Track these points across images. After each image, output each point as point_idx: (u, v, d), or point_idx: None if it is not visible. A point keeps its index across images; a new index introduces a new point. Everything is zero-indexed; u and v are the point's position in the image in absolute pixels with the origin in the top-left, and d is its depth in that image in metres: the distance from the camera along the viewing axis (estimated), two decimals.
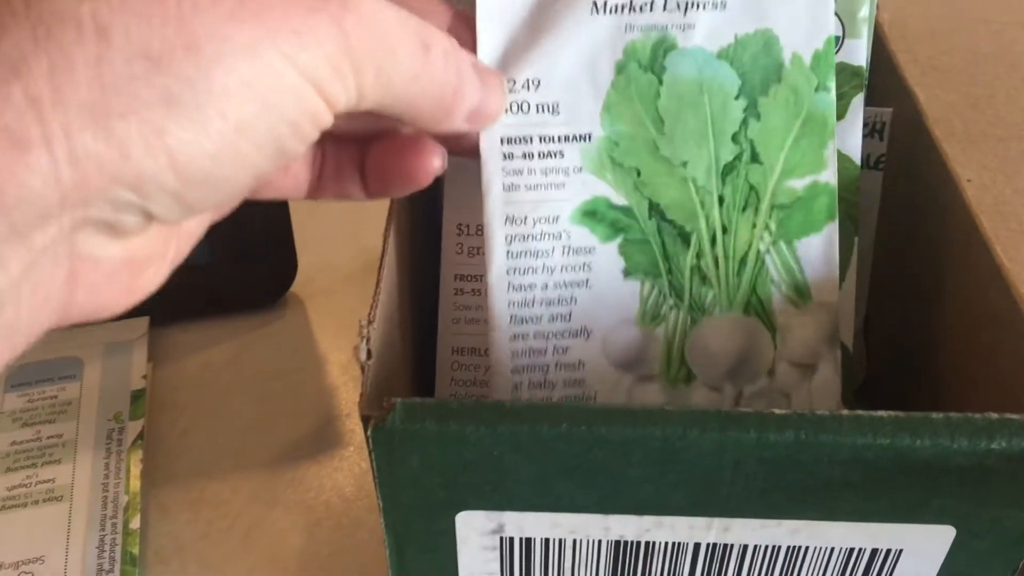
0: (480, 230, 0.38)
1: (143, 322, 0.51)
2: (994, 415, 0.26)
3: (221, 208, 0.29)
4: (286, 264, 0.54)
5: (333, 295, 0.55)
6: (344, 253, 0.57)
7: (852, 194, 0.36)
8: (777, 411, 0.26)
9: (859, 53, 0.36)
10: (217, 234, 0.50)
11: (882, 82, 0.40)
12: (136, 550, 0.41)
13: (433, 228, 0.39)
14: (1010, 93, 0.39)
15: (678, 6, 0.33)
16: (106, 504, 0.43)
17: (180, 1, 0.21)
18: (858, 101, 0.36)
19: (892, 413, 0.26)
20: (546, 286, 0.34)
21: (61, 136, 0.20)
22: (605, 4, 0.32)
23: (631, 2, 0.32)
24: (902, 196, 0.39)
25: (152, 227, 0.23)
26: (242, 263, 0.52)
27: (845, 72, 0.35)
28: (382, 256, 0.32)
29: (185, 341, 0.52)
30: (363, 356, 0.28)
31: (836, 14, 0.35)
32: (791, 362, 0.35)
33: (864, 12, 0.36)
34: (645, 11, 0.33)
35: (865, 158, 0.38)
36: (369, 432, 0.26)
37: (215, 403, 0.49)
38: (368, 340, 0.28)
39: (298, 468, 0.46)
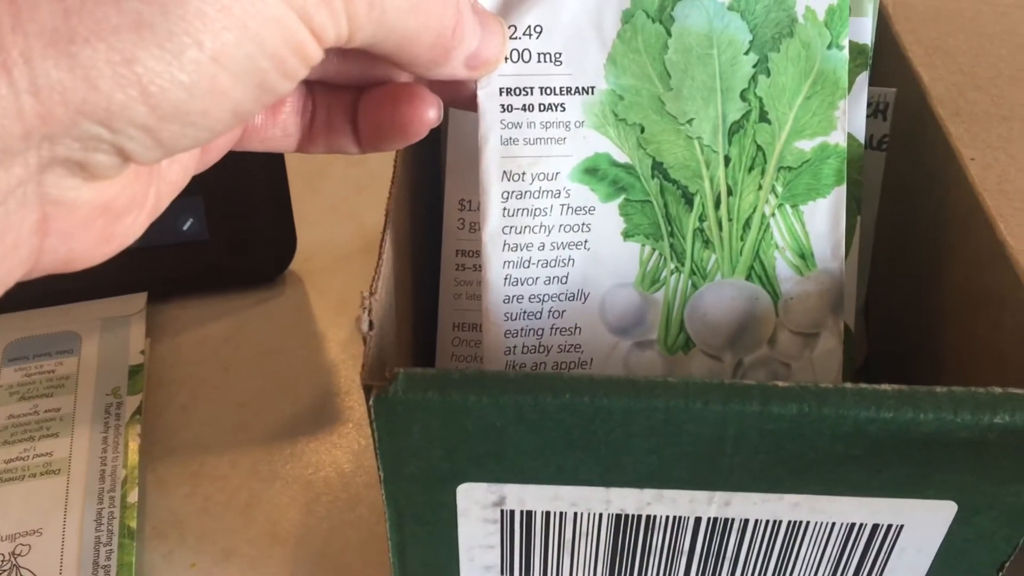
0: None
1: (141, 297, 0.51)
2: (997, 389, 0.26)
3: (206, 153, 0.27)
4: (285, 241, 0.54)
5: (332, 273, 0.55)
6: (344, 231, 0.57)
7: (856, 173, 0.36)
8: (780, 384, 0.26)
9: (864, 31, 0.36)
10: (216, 211, 0.51)
11: (886, 63, 0.40)
12: (134, 523, 0.41)
13: (435, 203, 0.39)
14: (1014, 74, 0.39)
15: None
16: (104, 478, 0.43)
17: None
18: (862, 79, 0.35)
19: (896, 387, 0.26)
20: (543, 246, 0.33)
21: (21, 63, 0.19)
22: None
23: None
24: (905, 176, 0.39)
25: (128, 170, 0.22)
26: (241, 240, 0.52)
27: (850, 50, 0.35)
28: (384, 229, 0.32)
29: (183, 317, 0.52)
30: (365, 327, 0.28)
31: None
32: (793, 331, 0.34)
33: None
34: None
35: (868, 138, 0.38)
36: (371, 402, 0.26)
37: (213, 379, 0.49)
38: (370, 311, 0.28)
39: (297, 444, 0.46)
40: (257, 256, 0.53)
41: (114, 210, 0.23)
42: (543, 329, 0.33)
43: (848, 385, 0.26)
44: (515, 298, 0.33)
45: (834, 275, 0.34)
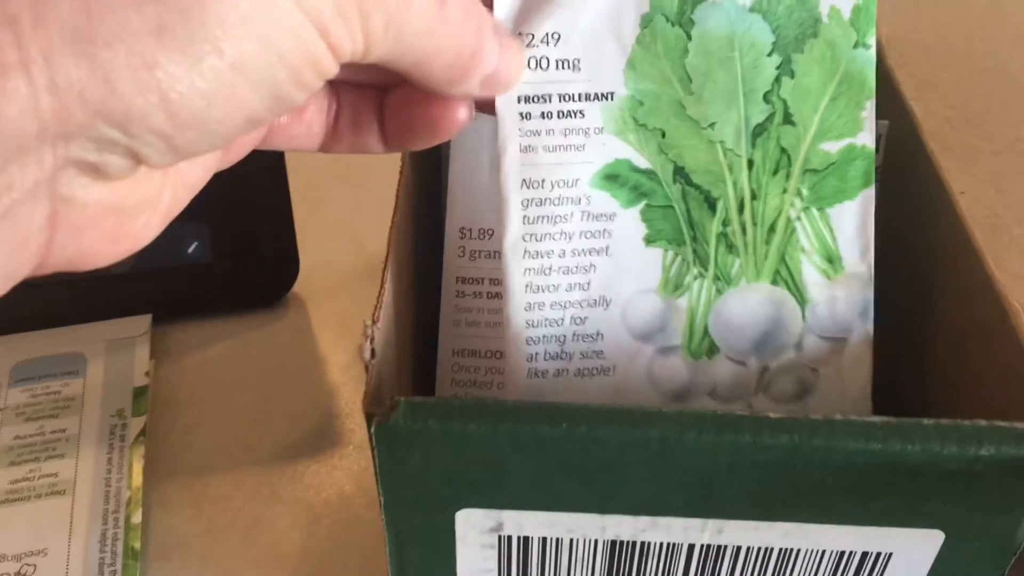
0: (482, 234, 0.39)
1: (146, 320, 0.52)
2: (983, 422, 0.26)
3: (228, 152, 0.27)
4: (288, 265, 0.54)
5: (334, 296, 0.56)
6: (346, 255, 0.58)
7: None
8: (771, 415, 0.27)
9: None
10: (220, 234, 0.51)
11: (879, 96, 0.41)
12: (138, 544, 0.42)
13: (436, 231, 0.40)
14: (1005, 109, 0.40)
15: None
16: (108, 499, 0.43)
17: None
18: None
19: (884, 419, 0.27)
20: (563, 253, 0.32)
21: (41, 62, 0.18)
22: None
23: None
24: (897, 208, 0.39)
25: (140, 171, 0.22)
26: (244, 263, 0.53)
27: None
28: (386, 257, 0.32)
29: (187, 339, 0.53)
30: (367, 355, 0.28)
31: None
32: (820, 335, 0.34)
33: None
34: None
35: None
36: (372, 429, 0.27)
37: (217, 401, 0.50)
38: (372, 340, 0.29)
39: (298, 466, 0.46)
40: (260, 279, 0.54)
41: (125, 210, 0.23)
42: (565, 336, 0.33)
43: (838, 417, 0.27)
44: (536, 305, 0.33)
45: (862, 279, 0.34)
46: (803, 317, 0.33)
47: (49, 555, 0.41)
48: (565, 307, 0.33)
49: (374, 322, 0.29)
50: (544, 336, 0.33)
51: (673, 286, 0.33)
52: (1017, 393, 0.30)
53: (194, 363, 0.52)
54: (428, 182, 0.41)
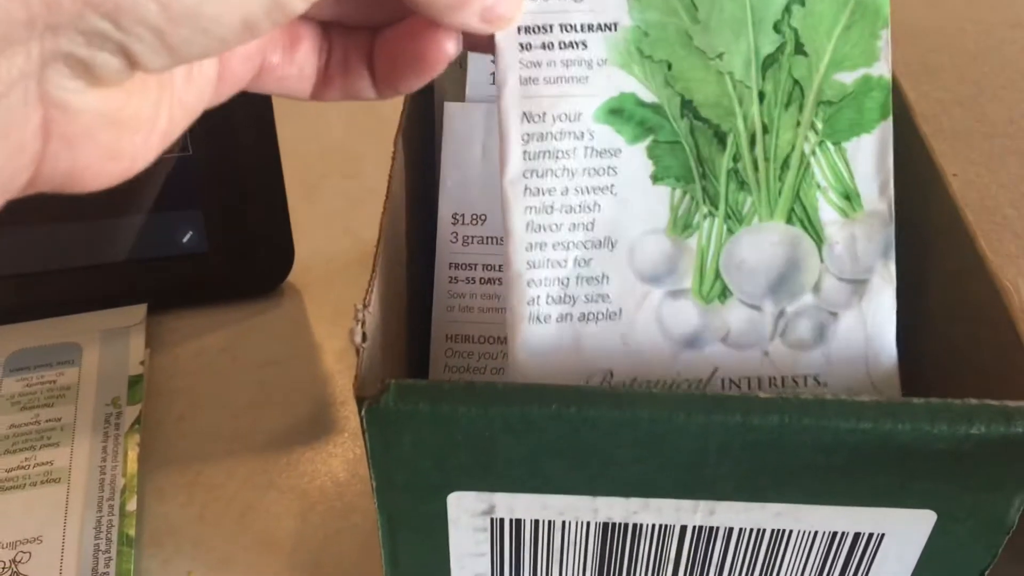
0: (475, 219, 0.39)
1: (141, 309, 0.52)
2: (973, 400, 0.26)
3: (222, 83, 0.26)
4: (283, 254, 0.54)
5: (329, 285, 0.56)
6: (340, 244, 0.58)
7: None
8: (761, 395, 0.27)
9: None
10: (215, 224, 0.51)
11: None
12: (132, 531, 0.42)
13: (429, 217, 0.40)
14: (997, 91, 0.39)
15: None
16: (103, 486, 0.43)
17: None
18: None
19: (874, 398, 0.27)
20: (566, 191, 0.31)
21: None
22: None
23: None
24: None
25: (136, 79, 0.22)
26: (239, 252, 0.53)
27: None
28: (378, 243, 0.32)
29: (182, 328, 0.53)
30: (358, 339, 0.28)
31: None
32: (840, 277, 0.33)
33: None
34: None
35: None
36: (363, 413, 0.27)
37: (211, 389, 0.50)
38: (363, 323, 0.29)
39: (292, 453, 0.46)
40: (255, 268, 0.54)
41: (122, 123, 0.23)
42: (568, 279, 0.32)
43: (828, 396, 0.27)
44: (538, 245, 0.31)
45: (883, 216, 0.32)
46: (820, 258, 0.32)
47: (44, 542, 0.41)
48: (568, 248, 0.31)
49: (365, 306, 0.29)
50: (546, 278, 0.32)
51: (682, 226, 0.32)
52: (1008, 372, 0.30)
53: (189, 352, 0.52)
54: (421, 168, 0.41)
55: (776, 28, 0.31)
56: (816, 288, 0.32)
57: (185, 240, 0.52)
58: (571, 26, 0.30)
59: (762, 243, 0.32)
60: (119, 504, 0.43)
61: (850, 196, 0.32)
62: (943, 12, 0.45)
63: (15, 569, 0.40)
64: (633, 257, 0.32)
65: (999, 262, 0.31)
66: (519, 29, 0.30)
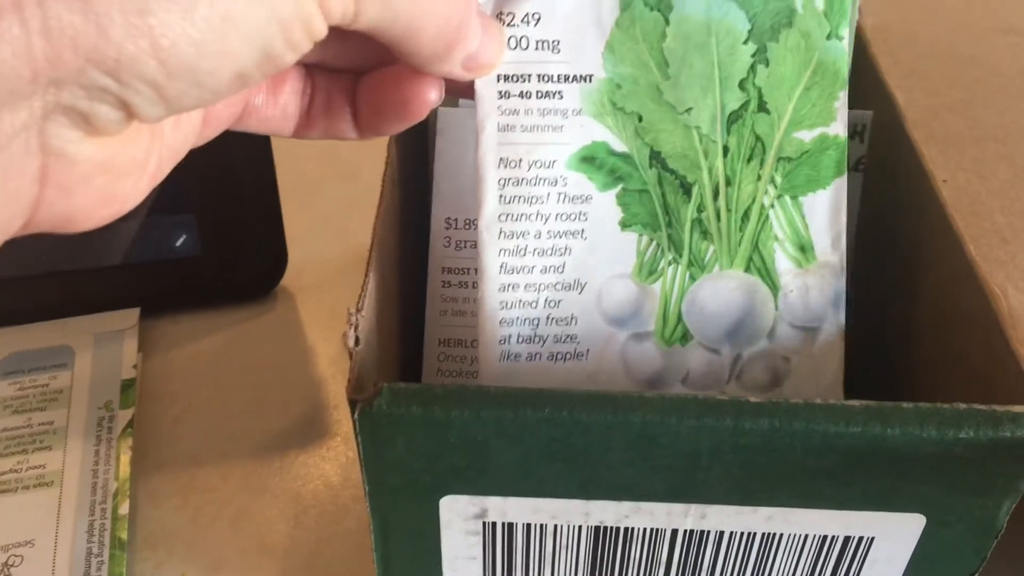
0: (468, 224, 0.39)
1: (134, 313, 0.52)
2: (962, 405, 0.27)
3: (207, 126, 0.27)
4: (276, 257, 0.54)
5: (323, 289, 0.56)
6: (334, 248, 0.58)
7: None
8: (752, 399, 0.27)
9: None
10: (209, 227, 0.51)
11: (864, 85, 0.41)
12: (125, 535, 0.42)
13: (422, 222, 0.40)
14: (988, 97, 0.40)
15: None
16: (96, 490, 0.43)
17: None
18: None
19: (863, 402, 0.27)
20: (539, 235, 0.32)
21: (34, 4, 0.19)
22: None
23: None
24: (882, 196, 0.40)
25: (130, 127, 0.22)
26: (233, 256, 0.53)
27: None
28: (371, 247, 0.32)
29: (175, 332, 0.53)
30: (351, 342, 0.29)
31: None
32: (793, 324, 0.34)
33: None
34: None
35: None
36: (356, 416, 0.27)
37: (205, 393, 0.50)
38: (356, 327, 0.29)
39: (286, 457, 0.46)
40: (248, 272, 0.54)
41: (115, 169, 0.23)
42: (539, 319, 0.33)
43: (817, 401, 0.27)
44: (511, 287, 0.32)
45: (834, 268, 0.34)
46: (776, 306, 0.34)
47: (36, 546, 0.41)
48: (539, 289, 0.33)
49: (358, 310, 0.29)
50: (517, 318, 0.33)
51: (647, 271, 0.33)
52: (998, 376, 0.30)
53: (182, 356, 0.52)
54: (414, 173, 0.41)
55: (741, 86, 0.32)
56: (771, 334, 0.34)
57: (179, 244, 0.52)
58: (548, 76, 0.32)
59: (722, 290, 0.33)
60: (112, 508, 0.43)
61: (805, 248, 0.33)
62: (936, 18, 0.45)
63: (7, 573, 0.40)
64: (601, 300, 0.33)
65: (988, 267, 0.31)
66: (499, 77, 0.31)
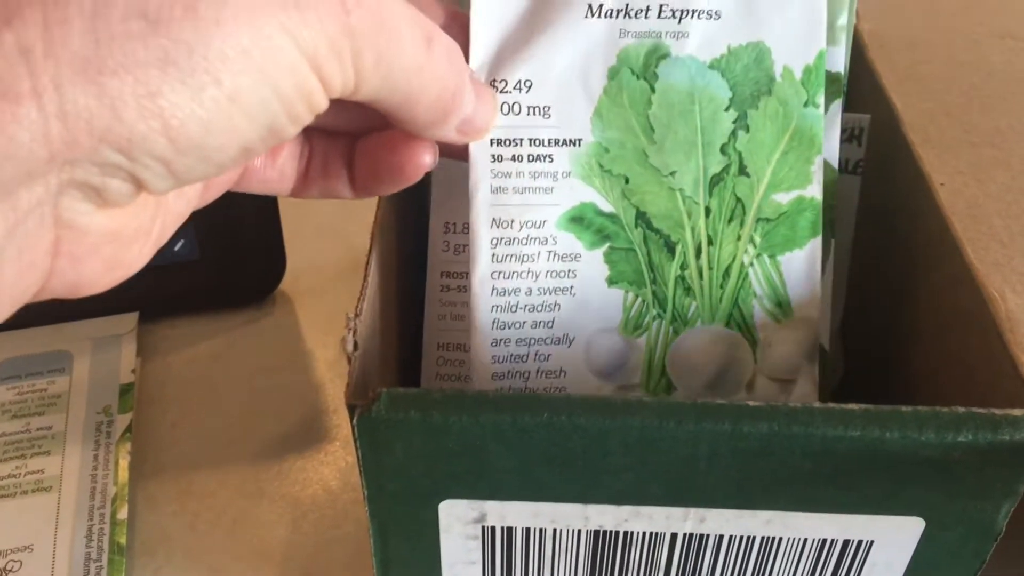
0: (466, 228, 0.39)
1: (132, 317, 0.52)
2: (960, 409, 0.27)
3: (208, 189, 0.28)
4: (275, 262, 0.54)
5: (321, 293, 0.56)
6: (332, 253, 0.58)
7: (830, 197, 0.37)
8: (751, 403, 0.27)
9: (837, 60, 0.37)
10: (207, 232, 0.51)
11: (862, 89, 0.41)
12: (123, 540, 0.42)
13: (421, 226, 0.40)
14: (984, 101, 0.40)
15: (673, 14, 0.33)
16: (94, 495, 0.43)
17: None
18: (836, 107, 0.36)
19: (862, 406, 0.27)
20: (530, 291, 0.33)
21: (51, 89, 0.19)
22: (600, 8, 0.32)
23: (626, 7, 0.32)
24: (880, 199, 0.40)
25: (139, 198, 0.23)
26: (231, 260, 0.53)
27: (824, 79, 0.36)
28: (369, 252, 0.33)
29: (174, 337, 0.53)
30: (350, 347, 0.29)
31: None
32: (770, 376, 0.35)
33: (843, 20, 0.37)
34: (640, 17, 0.33)
35: (844, 163, 0.39)
36: (355, 421, 0.27)
37: (203, 398, 0.50)
38: (355, 332, 0.29)
39: (284, 462, 0.46)
40: (247, 276, 0.54)
41: (123, 238, 0.24)
42: (529, 372, 0.34)
43: (816, 404, 0.27)
44: (503, 341, 0.34)
45: (810, 324, 0.35)
46: (754, 359, 0.35)
47: (35, 551, 0.41)
48: (530, 344, 0.34)
49: (356, 315, 0.29)
50: (509, 372, 0.34)
51: (633, 326, 0.34)
52: (996, 379, 0.30)
53: (180, 360, 0.52)
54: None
55: (723, 151, 0.33)
56: (750, 385, 0.35)
57: (177, 248, 0.52)
58: (539, 141, 0.33)
59: (704, 343, 0.34)
60: (110, 512, 0.43)
61: (782, 304, 0.35)
62: (933, 23, 0.45)
63: None
64: (589, 354, 0.34)
65: (986, 271, 0.31)
66: (492, 142, 0.32)
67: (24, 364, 0.49)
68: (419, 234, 0.40)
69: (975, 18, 0.46)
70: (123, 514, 0.43)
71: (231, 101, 0.22)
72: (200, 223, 0.51)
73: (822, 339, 0.37)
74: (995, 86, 0.41)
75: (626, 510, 0.30)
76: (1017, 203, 0.34)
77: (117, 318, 0.52)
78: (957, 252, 0.33)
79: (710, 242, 0.34)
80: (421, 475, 0.29)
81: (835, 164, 0.37)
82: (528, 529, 0.30)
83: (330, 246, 0.58)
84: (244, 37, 0.21)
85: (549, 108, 0.33)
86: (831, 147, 0.37)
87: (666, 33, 0.33)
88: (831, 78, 0.37)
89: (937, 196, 0.35)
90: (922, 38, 0.45)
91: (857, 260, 0.41)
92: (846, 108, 0.38)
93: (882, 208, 0.40)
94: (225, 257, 0.53)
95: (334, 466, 0.46)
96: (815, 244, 0.35)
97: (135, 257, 0.25)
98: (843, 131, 0.38)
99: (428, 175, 0.39)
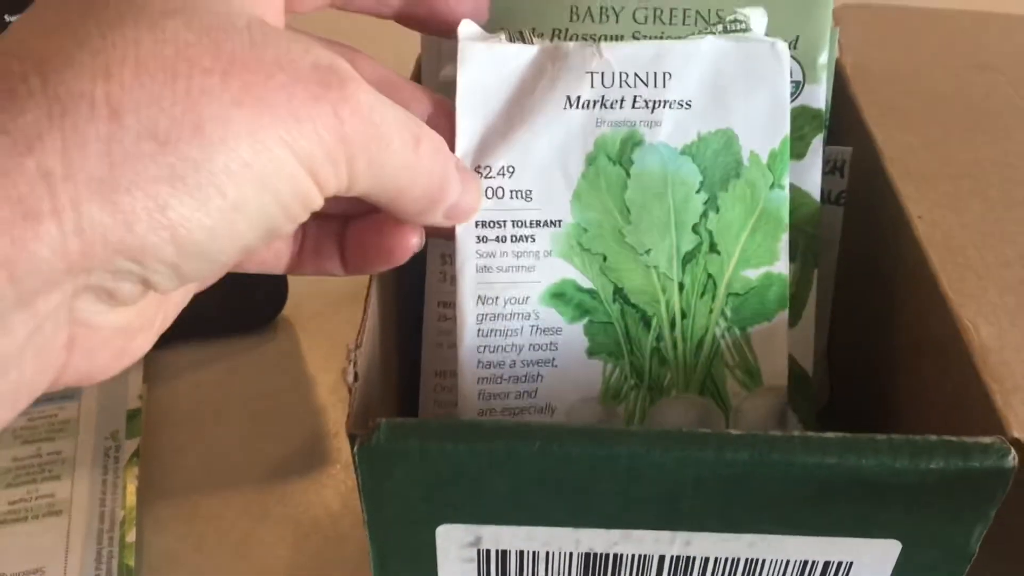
0: None
1: None
2: (933, 437, 0.28)
3: (208, 280, 0.30)
4: (277, 289, 0.55)
5: (322, 319, 0.57)
6: (333, 280, 0.58)
7: (812, 228, 0.38)
8: (733, 432, 0.28)
9: (818, 97, 0.38)
10: None
11: (844, 122, 0.42)
12: (132, 562, 0.43)
13: (418, 256, 0.41)
14: (963, 134, 0.41)
15: (646, 104, 0.34)
16: (103, 518, 0.44)
17: (189, 85, 0.22)
18: (817, 142, 0.38)
19: (839, 434, 0.28)
20: (514, 364, 0.35)
21: (69, 209, 0.21)
22: (578, 99, 0.34)
23: (602, 99, 0.34)
24: (862, 230, 0.41)
25: (148, 296, 0.24)
26: (235, 288, 0.54)
27: (805, 115, 0.38)
28: (369, 283, 0.34)
29: (179, 363, 0.54)
30: (350, 378, 0.30)
31: (796, 60, 0.38)
32: None
33: (823, 59, 0.38)
34: (615, 107, 0.34)
35: (827, 194, 0.40)
36: (355, 450, 0.28)
37: (208, 422, 0.51)
38: (355, 363, 0.30)
39: (287, 485, 0.48)
40: (250, 304, 0.55)
41: (131, 330, 0.26)
42: None
43: (796, 433, 0.28)
44: (488, 412, 0.35)
45: (778, 391, 0.36)
46: (727, 424, 0.36)
47: (46, 574, 0.42)
48: (514, 413, 0.35)
49: (357, 346, 0.30)
50: None
51: (612, 395, 0.36)
52: (969, 406, 0.31)
53: (186, 386, 0.53)
54: None
55: (695, 230, 0.35)
56: None
57: None
58: (522, 222, 0.34)
59: (678, 410, 0.36)
60: (119, 536, 0.44)
61: (752, 373, 0.36)
62: (914, 56, 0.47)
63: None
64: (570, 422, 0.35)
65: (960, 301, 0.33)
66: (477, 224, 0.34)
67: None
68: (417, 264, 0.41)
69: (956, 51, 0.48)
70: (131, 537, 0.44)
71: (234, 210, 0.23)
72: None
73: (804, 365, 0.38)
74: (973, 118, 0.43)
75: (616, 534, 0.31)
76: (992, 235, 0.36)
77: None
78: (933, 283, 0.34)
79: (684, 315, 0.35)
80: (419, 501, 0.30)
81: (816, 196, 0.38)
82: (522, 552, 0.32)
83: None
84: (246, 152, 0.23)
85: (531, 192, 0.34)
86: (813, 180, 0.38)
87: (640, 122, 0.34)
88: (812, 114, 0.38)
89: (915, 229, 0.36)
90: (904, 71, 0.46)
91: (842, 288, 0.42)
92: (829, 140, 0.40)
93: (864, 238, 0.41)
94: (229, 285, 0.53)
95: (335, 489, 0.47)
96: (782, 316, 0.36)
97: (140, 344, 0.27)
98: (826, 163, 0.39)
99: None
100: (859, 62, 0.45)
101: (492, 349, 0.35)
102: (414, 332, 0.41)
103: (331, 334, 0.56)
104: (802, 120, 0.38)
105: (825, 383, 0.43)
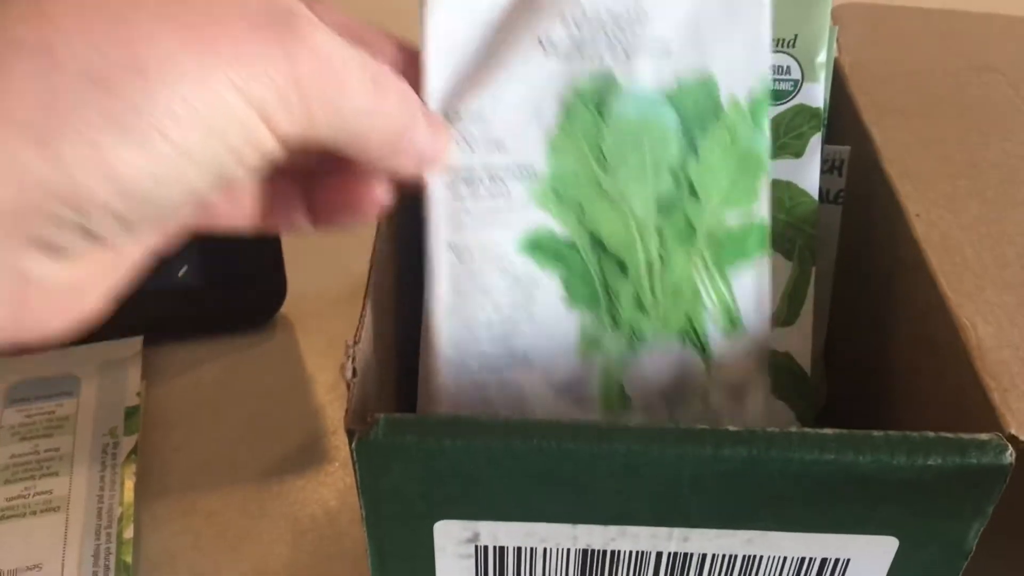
0: None
1: (137, 342, 0.53)
2: (930, 433, 0.28)
3: (156, 239, 0.29)
4: (276, 287, 0.55)
5: (321, 317, 0.57)
6: (332, 277, 0.59)
7: (810, 227, 0.38)
8: (731, 428, 0.28)
9: (816, 96, 0.38)
10: (210, 258, 0.53)
11: (843, 121, 0.43)
12: (129, 559, 0.43)
13: (418, 251, 0.41)
14: (960, 135, 0.41)
15: (623, 47, 0.33)
16: (101, 515, 0.44)
17: (130, 25, 0.21)
18: (815, 140, 0.38)
19: (836, 431, 0.28)
20: (489, 316, 0.34)
21: (4, 154, 0.20)
22: (551, 43, 0.33)
23: (578, 45, 0.33)
24: (860, 229, 0.41)
25: (95, 250, 0.24)
26: (234, 286, 0.54)
27: (803, 114, 0.38)
28: (368, 280, 0.34)
29: (178, 360, 0.54)
30: (349, 374, 0.30)
31: (795, 58, 0.38)
32: (723, 387, 0.36)
33: (821, 58, 0.38)
34: (591, 51, 0.33)
35: (825, 193, 0.41)
36: (353, 445, 0.28)
37: (206, 420, 0.51)
38: (353, 359, 0.30)
39: (285, 482, 0.48)
40: (249, 301, 0.55)
41: (81, 289, 0.25)
42: (491, 397, 0.35)
43: (793, 430, 0.28)
44: (463, 367, 0.35)
45: (759, 336, 0.36)
46: (708, 370, 0.36)
47: (44, 570, 0.42)
48: (491, 368, 0.35)
49: (355, 342, 0.30)
50: (470, 399, 0.35)
51: (589, 344, 0.35)
52: (966, 404, 0.31)
53: (184, 383, 0.53)
54: (411, 205, 0.42)
55: (673, 176, 0.35)
56: (704, 397, 0.36)
57: (180, 274, 0.53)
58: (494, 171, 0.34)
59: (657, 358, 0.36)
60: (116, 532, 0.44)
61: (732, 317, 0.36)
62: (913, 56, 0.47)
63: None
64: (548, 373, 0.35)
65: (958, 300, 0.33)
66: (448, 173, 0.33)
67: (33, 387, 0.51)
68: (417, 259, 0.41)
69: (955, 51, 0.48)
70: (129, 533, 0.44)
71: (181, 155, 0.22)
72: (203, 250, 0.53)
73: (803, 364, 0.38)
74: (972, 118, 0.43)
75: (613, 530, 0.31)
76: (990, 235, 0.36)
77: (122, 342, 0.53)
78: (931, 283, 0.34)
79: (662, 262, 0.35)
80: (417, 497, 0.30)
81: (815, 195, 0.38)
82: (520, 548, 0.32)
83: (330, 271, 0.59)
84: (192, 95, 0.22)
85: (504, 140, 0.33)
86: (811, 178, 0.38)
87: (616, 67, 0.34)
88: (811, 112, 0.38)
89: (913, 228, 0.36)
90: (903, 70, 0.46)
91: (841, 287, 0.42)
92: (828, 139, 0.40)
93: (862, 237, 0.41)
94: (227, 282, 0.54)
95: (333, 487, 0.47)
96: (763, 260, 0.36)
97: (93, 303, 0.26)
98: (824, 162, 0.39)
99: (425, 204, 0.41)
100: (858, 61, 0.45)
101: (465, 301, 0.34)
102: (412, 329, 0.41)
103: (329, 333, 0.56)
104: (800, 119, 0.38)
105: (823, 383, 0.43)
